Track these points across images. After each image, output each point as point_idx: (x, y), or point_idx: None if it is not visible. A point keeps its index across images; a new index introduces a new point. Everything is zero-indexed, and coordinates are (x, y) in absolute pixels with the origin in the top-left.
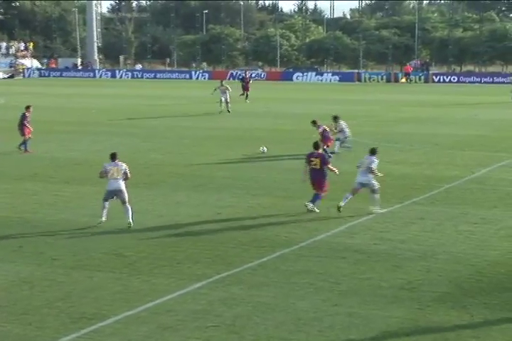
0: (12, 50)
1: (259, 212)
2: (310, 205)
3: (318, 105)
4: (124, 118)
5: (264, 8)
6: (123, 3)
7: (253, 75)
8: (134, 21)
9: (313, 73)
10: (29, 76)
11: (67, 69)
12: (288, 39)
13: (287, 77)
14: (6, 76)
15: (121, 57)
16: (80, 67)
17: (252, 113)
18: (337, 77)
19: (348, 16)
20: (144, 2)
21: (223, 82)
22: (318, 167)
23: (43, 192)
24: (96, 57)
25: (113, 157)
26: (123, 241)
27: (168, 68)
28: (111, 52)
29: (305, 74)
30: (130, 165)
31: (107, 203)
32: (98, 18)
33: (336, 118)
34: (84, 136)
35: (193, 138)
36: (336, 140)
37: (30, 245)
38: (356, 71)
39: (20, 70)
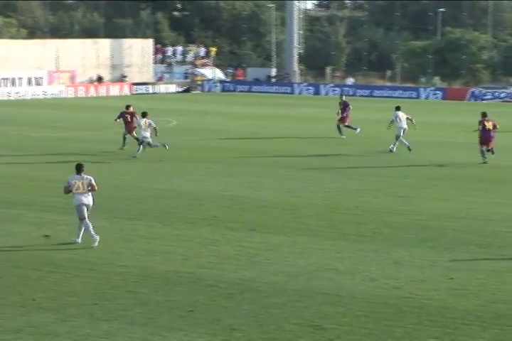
0: (190, 57)
1: (506, 278)
2: None
3: None
4: (328, 148)
5: None
6: None
7: (502, 95)
8: (346, 22)
9: None
10: (209, 90)
11: (257, 82)
12: None
13: None
14: (180, 89)
15: (328, 69)
16: (274, 80)
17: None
18: None
19: None
20: None
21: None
22: None
23: (223, 241)
24: (296, 67)
25: (78, 170)
26: (323, 310)
27: (388, 83)
28: (315, 62)
29: None
30: (335, 209)
31: (85, 221)
32: (301, 16)
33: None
34: (276, 171)
35: (418, 176)
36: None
37: (204, 309)
38: None
39: (199, 82)
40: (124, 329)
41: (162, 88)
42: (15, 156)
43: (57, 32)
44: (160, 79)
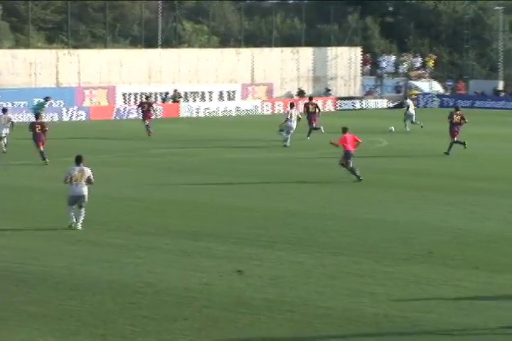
0: (403, 68)
1: None
2: None
3: None
4: None
5: None
6: None
7: None
8: None
9: None
10: (425, 106)
11: (482, 96)
12: None
13: None
14: (392, 105)
15: None
16: (502, 94)
17: None
18: None
19: None
20: None
21: None
22: None
23: (441, 280)
24: None
25: (78, 161)
26: None
27: None
28: None
29: None
30: None
31: (72, 207)
32: None
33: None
34: (499, 200)
35: None
36: None
37: None
38: None
39: (414, 97)
40: None
41: (371, 103)
42: (203, 180)
43: (253, 40)
44: (369, 94)
